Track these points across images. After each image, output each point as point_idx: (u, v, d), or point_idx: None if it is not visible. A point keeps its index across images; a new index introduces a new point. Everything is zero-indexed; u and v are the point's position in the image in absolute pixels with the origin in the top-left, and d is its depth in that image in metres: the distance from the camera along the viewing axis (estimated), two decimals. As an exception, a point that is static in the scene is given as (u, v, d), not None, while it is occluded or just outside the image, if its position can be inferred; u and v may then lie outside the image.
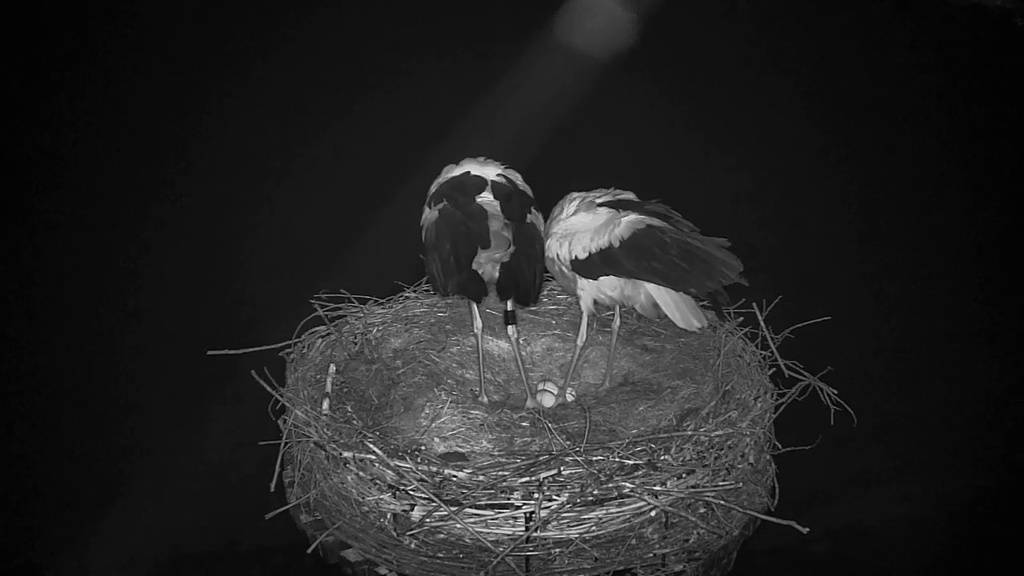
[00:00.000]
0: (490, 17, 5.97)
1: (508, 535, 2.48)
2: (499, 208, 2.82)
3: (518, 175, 3.00)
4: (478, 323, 3.06)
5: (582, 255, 2.84)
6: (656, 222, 2.77)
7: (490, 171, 2.95)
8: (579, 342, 3.06)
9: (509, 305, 3.00)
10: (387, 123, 5.53)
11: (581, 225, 2.86)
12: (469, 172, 2.93)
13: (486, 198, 2.85)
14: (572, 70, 5.55)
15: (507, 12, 5.92)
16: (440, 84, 5.70)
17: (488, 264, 2.79)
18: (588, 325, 3.04)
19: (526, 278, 2.80)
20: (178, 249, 4.78)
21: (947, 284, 4.51)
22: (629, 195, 2.97)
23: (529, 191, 2.98)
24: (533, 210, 2.92)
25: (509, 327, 3.04)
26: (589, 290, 2.93)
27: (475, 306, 3.04)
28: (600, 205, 2.89)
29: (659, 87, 5.73)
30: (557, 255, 2.91)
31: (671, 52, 5.92)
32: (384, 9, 6.19)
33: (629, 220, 2.77)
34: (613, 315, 3.13)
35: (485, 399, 3.09)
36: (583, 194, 2.99)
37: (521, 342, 3.19)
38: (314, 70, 5.86)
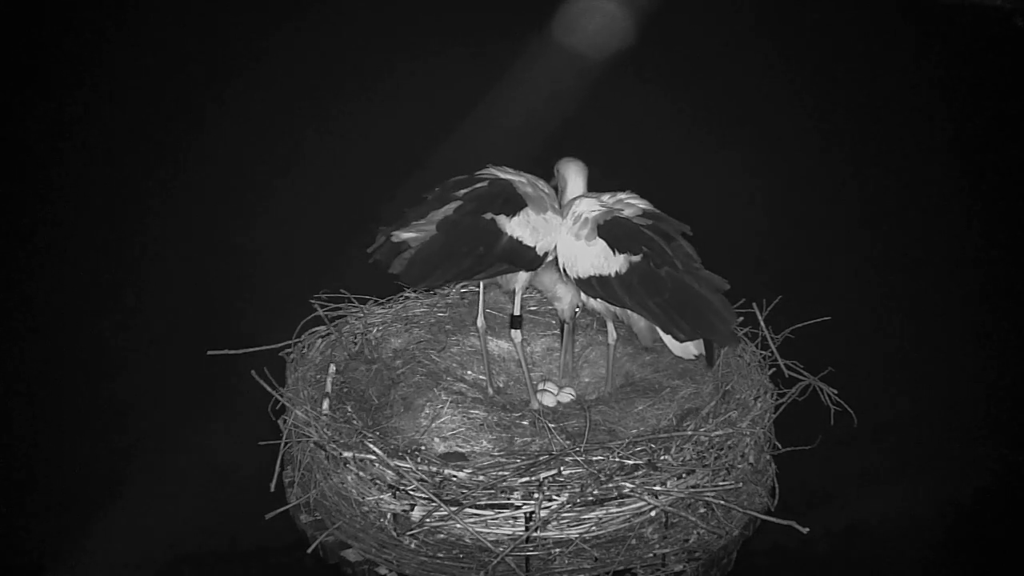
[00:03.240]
0: (488, 18, 5.97)
1: (508, 535, 2.48)
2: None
3: (519, 176, 2.96)
4: (481, 320, 3.09)
5: (583, 275, 2.85)
6: (653, 253, 2.72)
7: (500, 174, 2.97)
8: (610, 340, 3.11)
9: (516, 310, 3.03)
10: (387, 123, 5.52)
11: (582, 251, 2.83)
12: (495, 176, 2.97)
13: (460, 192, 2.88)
14: (571, 71, 5.55)
15: (505, 13, 5.92)
16: (440, 84, 5.70)
17: (416, 237, 2.77)
18: (613, 324, 3.08)
19: (429, 262, 2.74)
20: (178, 249, 4.78)
21: (947, 284, 4.51)
22: (644, 204, 2.91)
23: (518, 195, 2.87)
24: (524, 214, 2.83)
25: (514, 331, 3.05)
26: (593, 301, 2.97)
27: (480, 303, 3.09)
28: (601, 225, 2.80)
29: (658, 87, 5.72)
30: (564, 268, 2.92)
31: (670, 52, 5.91)
32: (384, 10, 6.19)
33: (626, 256, 2.74)
34: (607, 329, 3.14)
35: (491, 391, 3.14)
36: (590, 203, 2.90)
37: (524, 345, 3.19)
38: (313, 70, 5.85)
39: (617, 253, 2.75)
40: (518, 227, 2.83)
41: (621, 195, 2.93)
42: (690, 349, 2.85)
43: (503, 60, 5.54)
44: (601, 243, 2.78)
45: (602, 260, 2.78)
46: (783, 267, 4.37)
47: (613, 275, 2.76)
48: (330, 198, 5.09)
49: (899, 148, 5.59)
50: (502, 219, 2.81)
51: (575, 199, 2.95)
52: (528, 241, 2.85)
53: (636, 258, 2.73)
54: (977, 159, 5.49)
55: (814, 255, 4.74)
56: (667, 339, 2.83)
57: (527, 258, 2.88)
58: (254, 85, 5.73)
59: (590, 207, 2.87)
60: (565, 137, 5.09)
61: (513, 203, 2.84)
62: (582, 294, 2.97)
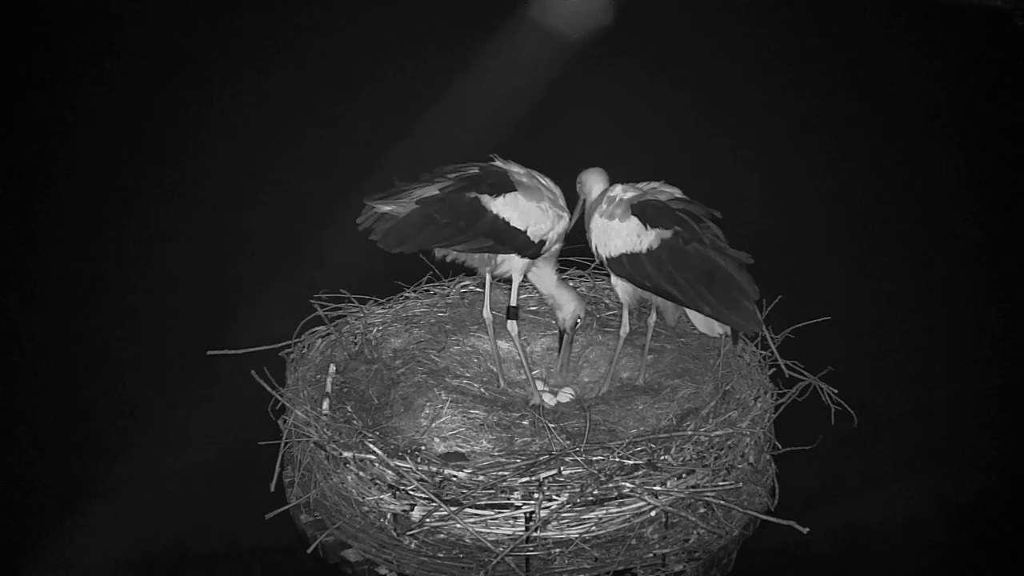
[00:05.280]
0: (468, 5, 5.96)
1: (508, 535, 2.48)
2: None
3: (520, 168, 3.04)
4: (488, 312, 3.13)
5: (614, 254, 2.93)
6: (683, 230, 2.80)
7: (501, 165, 3.06)
8: (622, 332, 3.15)
9: (513, 300, 3.07)
10: (385, 120, 5.52)
11: (616, 229, 2.91)
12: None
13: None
14: (548, 52, 5.53)
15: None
16: (435, 80, 5.69)
17: (398, 211, 2.84)
18: (628, 315, 3.14)
19: (406, 230, 2.81)
20: (178, 249, 4.78)
21: (947, 284, 4.51)
22: (675, 191, 3.00)
23: (509, 180, 2.95)
24: (511, 197, 2.90)
25: (510, 323, 3.07)
26: (622, 284, 3.03)
27: (487, 295, 3.13)
28: (635, 205, 2.90)
29: (650, 77, 5.71)
30: (596, 248, 3.01)
31: (662, 40, 5.90)
32: (376, 9, 6.20)
33: (658, 231, 2.83)
34: (621, 319, 3.16)
35: (502, 382, 3.19)
36: (625, 188, 2.99)
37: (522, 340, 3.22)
38: (311, 70, 5.86)
39: (649, 228, 2.85)
40: (504, 208, 2.90)
41: (654, 184, 3.04)
42: (715, 327, 2.93)
43: (481, 40, 5.53)
44: (634, 220, 2.88)
45: (635, 237, 2.87)
46: (783, 267, 4.36)
47: (644, 251, 2.85)
48: (330, 197, 5.08)
49: (899, 148, 5.59)
50: (486, 198, 2.89)
51: (610, 186, 3.05)
52: (517, 223, 2.91)
53: (667, 234, 2.82)
54: (977, 159, 5.49)
55: (814, 255, 4.74)
56: (693, 316, 2.94)
57: (518, 241, 2.94)
58: (253, 86, 5.73)
59: (624, 191, 2.98)
60: (543, 117, 5.11)
61: (500, 186, 2.92)
62: (612, 276, 3.03)
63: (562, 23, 5.70)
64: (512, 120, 4.99)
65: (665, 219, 2.84)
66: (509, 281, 3.15)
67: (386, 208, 2.84)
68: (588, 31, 5.71)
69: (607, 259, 2.97)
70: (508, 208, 2.90)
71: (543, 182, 3.03)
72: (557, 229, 3.01)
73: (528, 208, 2.92)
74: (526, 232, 2.93)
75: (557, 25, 5.69)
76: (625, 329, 3.14)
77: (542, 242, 2.99)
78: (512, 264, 3.04)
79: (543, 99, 5.28)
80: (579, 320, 3.26)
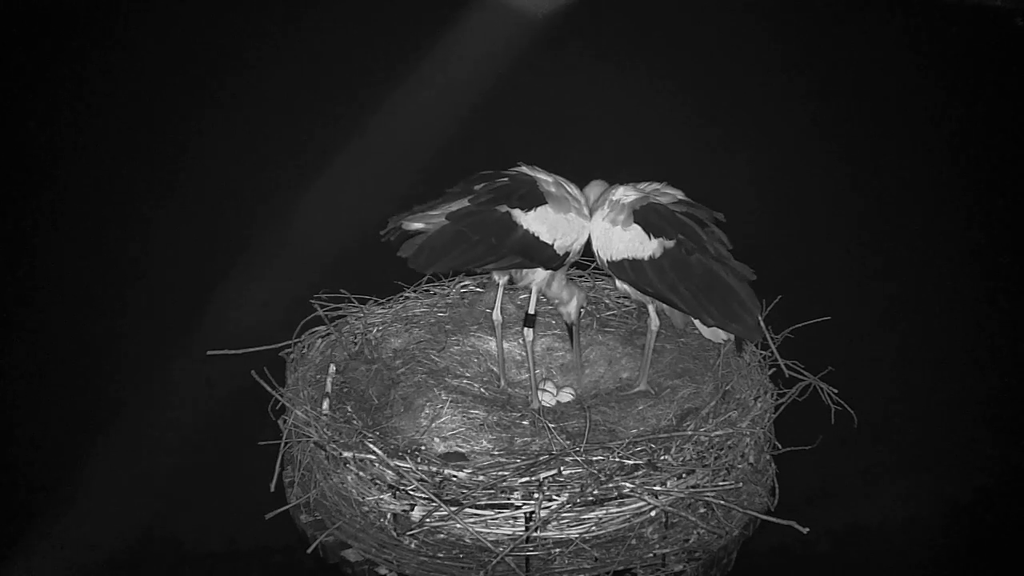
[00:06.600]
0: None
1: (508, 535, 2.48)
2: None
3: (547, 176, 2.98)
4: (497, 314, 3.11)
5: (616, 258, 2.90)
6: (687, 239, 2.78)
7: (528, 172, 3.00)
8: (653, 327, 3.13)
9: (531, 308, 3.06)
10: (386, 120, 5.52)
11: (618, 235, 2.88)
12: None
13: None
14: (549, 51, 5.49)
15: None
16: (436, 77, 5.69)
17: (426, 228, 2.80)
18: (658, 314, 3.11)
19: (437, 248, 2.76)
20: (178, 249, 4.78)
21: (947, 284, 4.51)
22: (679, 193, 2.96)
23: (539, 192, 2.89)
24: (542, 210, 2.85)
25: (527, 329, 3.06)
26: (626, 287, 3.01)
27: (499, 296, 3.10)
28: (638, 211, 2.85)
29: (649, 76, 5.69)
30: (597, 252, 2.97)
31: (662, 40, 5.87)
32: (372, 7, 6.20)
33: (661, 240, 2.81)
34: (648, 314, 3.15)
35: (503, 382, 3.18)
36: (626, 190, 2.95)
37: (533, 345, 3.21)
38: (304, 68, 5.85)
39: (652, 238, 2.81)
40: (534, 222, 2.84)
41: (656, 184, 3.00)
42: (719, 333, 2.92)
43: (482, 38, 5.51)
44: (637, 228, 2.84)
45: (637, 244, 2.84)
46: (783, 267, 4.36)
47: (647, 259, 2.82)
48: (330, 197, 5.09)
49: (899, 148, 5.59)
50: (517, 212, 2.83)
51: (611, 187, 3.00)
52: (545, 238, 2.86)
53: (670, 243, 2.80)
54: (977, 159, 5.49)
55: (814, 255, 4.74)
56: (697, 321, 2.92)
57: (545, 255, 2.89)
58: (252, 85, 5.73)
59: (626, 193, 2.93)
60: (542, 117, 5.10)
61: (531, 199, 2.86)
62: (617, 281, 3.00)
63: (559, 14, 5.67)
64: (512, 119, 4.99)
65: (669, 227, 2.81)
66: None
67: (415, 225, 2.79)
68: (586, 30, 5.70)
69: (608, 262, 2.94)
70: (537, 223, 2.84)
71: (569, 190, 2.97)
72: (581, 240, 2.96)
73: (556, 221, 2.86)
74: (553, 246, 2.88)
75: (556, 18, 5.66)
76: (654, 321, 3.11)
77: (567, 254, 2.94)
78: (535, 275, 3.01)
79: (541, 99, 5.27)
80: (583, 308, 3.24)
